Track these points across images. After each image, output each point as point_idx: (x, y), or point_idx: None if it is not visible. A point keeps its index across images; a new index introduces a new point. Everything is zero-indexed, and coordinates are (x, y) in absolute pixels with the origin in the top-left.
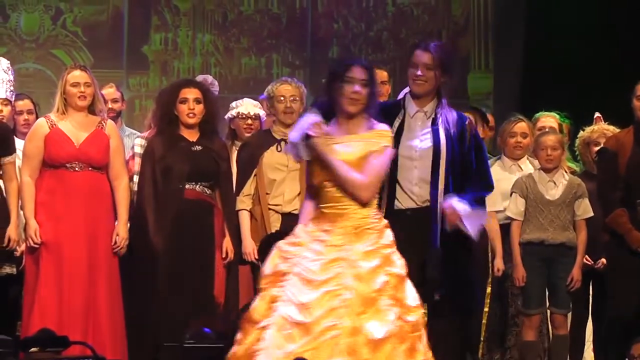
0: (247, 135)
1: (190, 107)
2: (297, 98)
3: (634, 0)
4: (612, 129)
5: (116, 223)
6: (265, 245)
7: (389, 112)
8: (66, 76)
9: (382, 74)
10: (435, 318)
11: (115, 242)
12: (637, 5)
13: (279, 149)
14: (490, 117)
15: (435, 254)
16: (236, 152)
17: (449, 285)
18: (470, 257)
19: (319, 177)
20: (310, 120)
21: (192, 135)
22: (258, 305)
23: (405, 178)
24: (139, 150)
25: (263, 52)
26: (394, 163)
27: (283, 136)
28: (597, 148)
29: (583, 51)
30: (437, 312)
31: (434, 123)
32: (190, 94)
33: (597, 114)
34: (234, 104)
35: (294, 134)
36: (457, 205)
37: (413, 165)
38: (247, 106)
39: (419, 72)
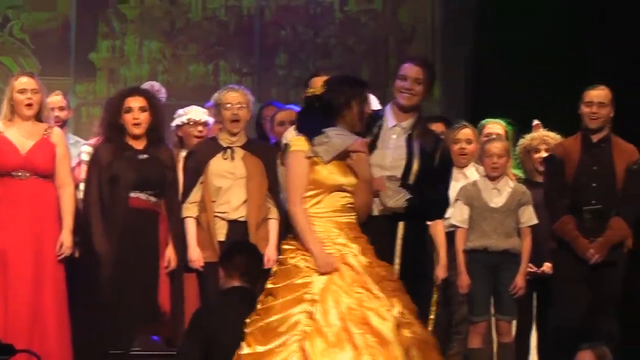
0: (197, 142)
1: (135, 116)
2: (244, 105)
3: (584, 12)
4: (552, 136)
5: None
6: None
7: (369, 122)
8: (13, 83)
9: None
10: None
11: (60, 250)
12: (581, 21)
13: (225, 157)
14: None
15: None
16: (183, 159)
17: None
18: (427, 266)
19: (335, 183)
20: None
21: (138, 144)
22: None
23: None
24: (85, 157)
25: (211, 59)
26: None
27: (229, 144)
28: (537, 155)
29: (530, 58)
30: None
31: (410, 138)
32: (135, 102)
33: (535, 121)
34: (180, 111)
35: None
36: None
37: (383, 174)
38: (197, 113)
39: (408, 85)
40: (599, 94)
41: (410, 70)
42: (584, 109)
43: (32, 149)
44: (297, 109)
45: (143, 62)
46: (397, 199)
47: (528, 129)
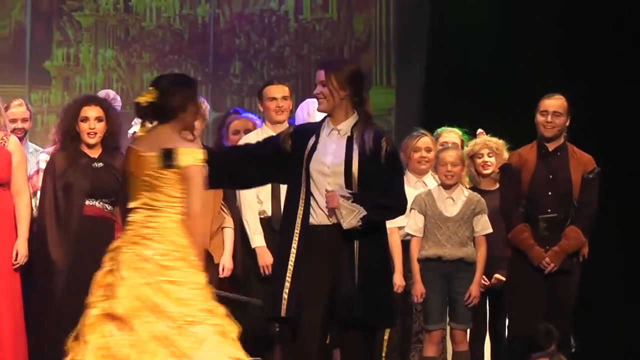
0: None
1: (91, 126)
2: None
3: (536, 21)
4: (495, 140)
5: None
6: None
7: (306, 133)
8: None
9: (284, 89)
10: (348, 334)
11: (16, 259)
12: (539, 26)
13: None
14: None
15: (351, 272)
16: None
17: (367, 302)
18: (389, 273)
19: None
20: None
21: (93, 152)
22: None
23: (319, 194)
24: (44, 165)
25: (165, 67)
26: (307, 179)
27: None
28: (480, 160)
29: (485, 67)
30: (350, 329)
31: (349, 140)
32: (92, 112)
33: (479, 130)
34: (137, 119)
35: None
36: (341, 192)
37: (326, 181)
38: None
39: (317, 91)
40: (553, 103)
41: (317, 75)
42: (539, 118)
43: None
44: (254, 117)
45: (98, 70)
46: (351, 218)
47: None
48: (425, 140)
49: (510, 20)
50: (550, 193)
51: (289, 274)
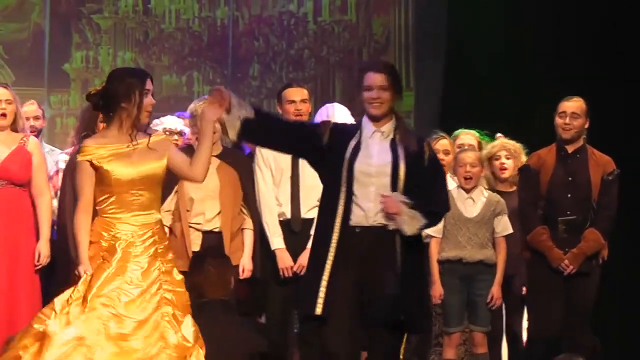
0: None
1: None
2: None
3: (552, 24)
4: (512, 143)
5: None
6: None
7: (346, 133)
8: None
9: (303, 92)
10: (380, 337)
11: (38, 260)
12: (556, 29)
13: None
14: None
15: (394, 275)
16: None
17: (409, 306)
18: (426, 278)
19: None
20: None
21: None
22: None
23: (362, 195)
24: (63, 165)
25: (184, 70)
26: (350, 179)
27: None
28: (497, 162)
29: (502, 69)
30: (383, 332)
31: (393, 142)
32: None
33: (498, 134)
34: (156, 120)
35: None
36: (399, 197)
37: (370, 181)
38: (172, 122)
39: (374, 95)
40: (572, 105)
41: (373, 79)
42: (558, 120)
43: (7, 158)
44: None
45: None
46: (413, 225)
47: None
48: (443, 143)
49: (529, 22)
50: (569, 195)
51: (326, 274)
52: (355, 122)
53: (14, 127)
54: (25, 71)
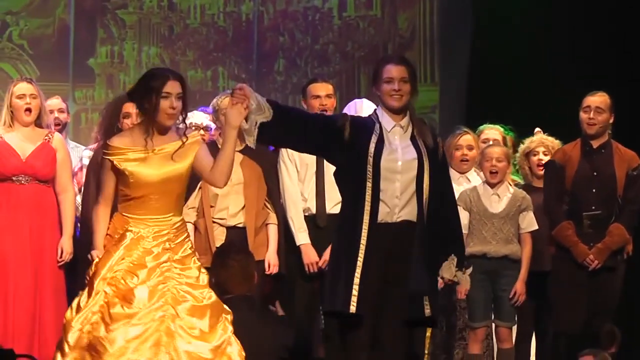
0: None
1: (134, 121)
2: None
3: (579, 19)
4: (551, 140)
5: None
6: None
7: (365, 127)
8: (12, 89)
9: (328, 87)
10: (401, 330)
11: (61, 256)
12: (583, 24)
13: None
14: None
15: (422, 270)
16: None
17: (435, 301)
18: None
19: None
20: None
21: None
22: None
23: (388, 191)
24: (87, 162)
25: (209, 65)
26: (376, 177)
27: None
28: (535, 158)
29: (528, 64)
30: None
31: (413, 136)
32: (133, 108)
33: (537, 129)
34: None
35: None
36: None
37: (395, 178)
38: (198, 117)
39: (396, 87)
40: (596, 99)
41: (395, 71)
42: (582, 115)
43: (32, 154)
44: None
45: (142, 68)
46: (449, 270)
47: (527, 134)
48: (467, 138)
49: (555, 16)
50: (594, 190)
51: (358, 271)
52: (370, 115)
53: (39, 123)
54: (50, 66)
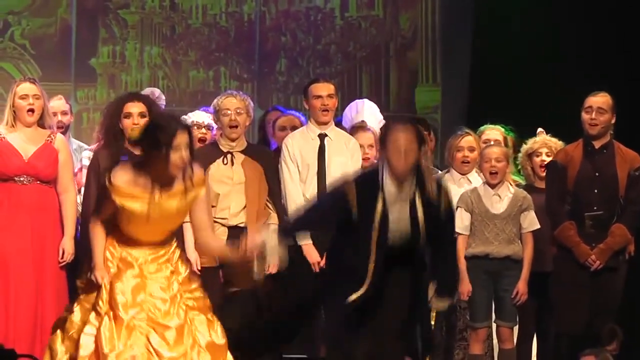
0: (200, 144)
1: (135, 122)
2: (242, 111)
3: (580, 19)
4: (554, 141)
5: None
6: None
7: (369, 192)
8: (15, 89)
9: (329, 87)
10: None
11: (62, 257)
12: (584, 23)
13: (225, 162)
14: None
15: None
16: None
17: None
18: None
19: None
20: None
21: (137, 149)
22: None
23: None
24: (87, 162)
25: (211, 65)
26: (381, 246)
27: (229, 149)
28: (538, 159)
29: (530, 64)
30: None
31: (413, 206)
32: (135, 108)
33: (539, 129)
34: (185, 116)
35: None
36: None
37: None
38: (200, 116)
39: (402, 154)
40: (598, 100)
41: (398, 132)
42: (584, 115)
43: (34, 155)
44: (299, 114)
45: (143, 68)
46: (442, 303)
47: (529, 134)
48: (468, 140)
49: (557, 17)
50: (596, 190)
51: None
52: (374, 170)
53: (42, 123)
54: (52, 66)
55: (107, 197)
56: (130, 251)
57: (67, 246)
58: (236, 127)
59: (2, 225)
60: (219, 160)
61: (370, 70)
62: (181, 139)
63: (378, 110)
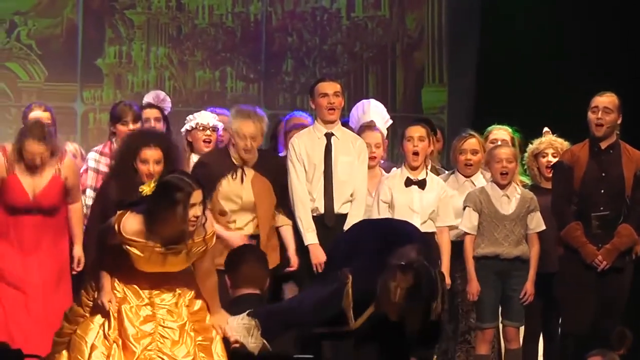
0: (205, 146)
1: (150, 169)
2: (258, 136)
3: (585, 18)
4: (560, 141)
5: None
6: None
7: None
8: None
9: (335, 86)
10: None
11: (78, 266)
12: (589, 24)
13: (234, 177)
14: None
15: None
16: (192, 167)
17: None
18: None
19: None
20: None
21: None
22: None
23: None
24: (92, 164)
25: (217, 65)
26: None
27: (241, 164)
28: (544, 159)
29: (537, 64)
30: None
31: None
32: (151, 153)
33: (545, 128)
34: (190, 116)
35: None
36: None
37: None
38: (205, 117)
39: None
40: (604, 100)
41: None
42: (590, 115)
43: (41, 192)
44: (305, 115)
45: (150, 68)
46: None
47: (535, 134)
48: (471, 142)
49: (565, 17)
50: (602, 191)
51: None
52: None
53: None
54: (58, 66)
55: (112, 238)
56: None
57: (77, 251)
58: (250, 151)
59: (7, 250)
60: (229, 177)
61: (377, 70)
62: (197, 197)
63: (385, 109)
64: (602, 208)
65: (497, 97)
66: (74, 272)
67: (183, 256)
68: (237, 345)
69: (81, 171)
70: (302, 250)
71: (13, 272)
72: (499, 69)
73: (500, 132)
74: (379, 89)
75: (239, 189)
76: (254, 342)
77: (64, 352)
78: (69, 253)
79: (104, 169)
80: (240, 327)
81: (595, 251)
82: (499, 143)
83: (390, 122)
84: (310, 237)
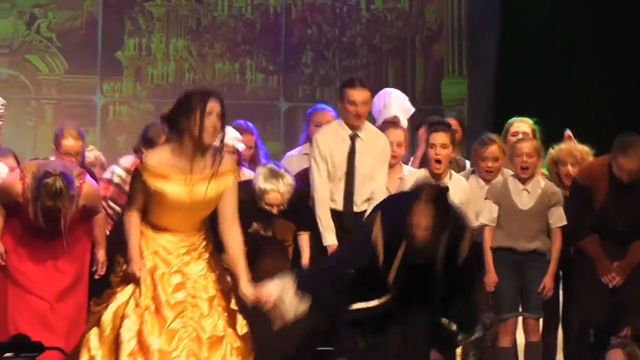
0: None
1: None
2: (285, 197)
3: (605, 13)
4: (580, 148)
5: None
6: None
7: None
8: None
9: (365, 94)
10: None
11: (102, 269)
12: (609, 18)
13: (259, 222)
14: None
15: None
16: None
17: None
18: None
19: None
20: None
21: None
22: None
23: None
24: (117, 180)
25: (237, 57)
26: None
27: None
28: (564, 168)
29: (557, 56)
30: None
31: None
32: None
33: (567, 132)
34: None
35: None
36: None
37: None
38: (228, 136)
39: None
40: (630, 162)
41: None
42: (622, 161)
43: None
44: (331, 110)
45: (169, 61)
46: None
47: (555, 127)
48: (492, 150)
49: (586, 8)
50: (619, 222)
51: None
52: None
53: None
54: (78, 59)
55: (137, 182)
56: (161, 242)
57: (100, 256)
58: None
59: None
60: (255, 225)
61: (396, 62)
62: (213, 105)
63: (406, 99)
64: (619, 224)
65: (517, 90)
66: (96, 276)
67: (212, 189)
68: (270, 308)
69: (102, 182)
70: (321, 250)
71: (30, 275)
72: (519, 60)
73: (522, 125)
74: (399, 81)
75: (263, 230)
76: (289, 303)
77: (95, 330)
78: (89, 256)
79: None
80: (274, 286)
81: (610, 266)
82: (520, 136)
83: (412, 111)
84: (330, 238)
